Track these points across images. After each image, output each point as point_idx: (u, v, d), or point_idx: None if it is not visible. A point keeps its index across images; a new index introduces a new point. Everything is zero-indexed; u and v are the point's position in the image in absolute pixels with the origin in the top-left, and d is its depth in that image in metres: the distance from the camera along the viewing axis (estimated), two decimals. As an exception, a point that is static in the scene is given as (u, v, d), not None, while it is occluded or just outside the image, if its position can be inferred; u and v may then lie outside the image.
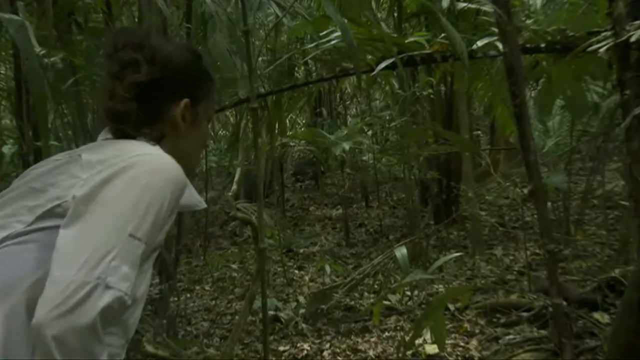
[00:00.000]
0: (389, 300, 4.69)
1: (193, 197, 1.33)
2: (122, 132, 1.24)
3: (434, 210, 7.07)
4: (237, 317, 4.41)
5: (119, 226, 1.07)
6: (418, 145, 5.93)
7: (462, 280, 5.01)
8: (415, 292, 4.62)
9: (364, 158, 8.02)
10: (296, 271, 6.05)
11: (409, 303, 4.59)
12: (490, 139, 10.04)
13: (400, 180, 7.83)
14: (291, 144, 7.66)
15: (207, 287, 5.66)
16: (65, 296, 0.99)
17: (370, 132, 7.18)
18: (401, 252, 4.04)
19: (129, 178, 1.10)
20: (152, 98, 1.25)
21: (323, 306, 4.53)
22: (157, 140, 1.26)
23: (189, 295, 5.37)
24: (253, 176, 8.68)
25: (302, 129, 7.71)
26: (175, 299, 4.51)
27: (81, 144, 2.99)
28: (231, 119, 8.46)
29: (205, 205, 1.35)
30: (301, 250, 6.74)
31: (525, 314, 4.14)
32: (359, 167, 7.92)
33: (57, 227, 1.09)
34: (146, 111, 1.25)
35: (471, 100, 6.66)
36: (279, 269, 6.04)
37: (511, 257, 5.52)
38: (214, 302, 5.11)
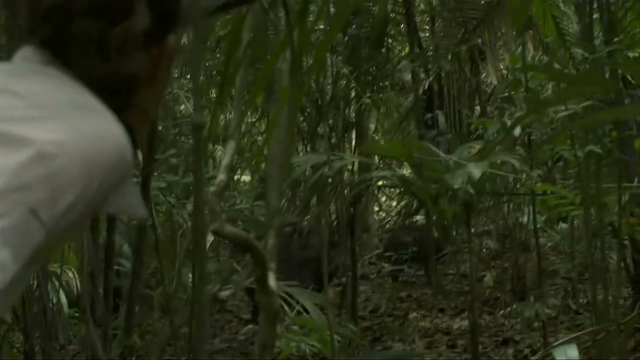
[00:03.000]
0: None
1: (129, 198, 1.42)
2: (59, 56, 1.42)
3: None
4: None
5: (23, 188, 1.19)
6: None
7: None
8: None
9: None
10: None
11: None
12: None
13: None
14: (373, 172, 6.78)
15: None
16: None
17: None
18: (568, 353, 3.72)
19: (58, 137, 1.24)
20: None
21: None
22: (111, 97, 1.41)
23: None
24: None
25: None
26: None
27: None
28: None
29: (145, 215, 1.52)
30: (385, 385, 6.30)
31: None
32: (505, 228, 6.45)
33: None
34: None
35: None
36: (329, 417, 5.66)
37: None
38: None
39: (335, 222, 7.58)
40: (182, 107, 9.99)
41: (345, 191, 6.61)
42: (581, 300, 7.96)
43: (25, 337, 3.97)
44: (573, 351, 3.77)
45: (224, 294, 7.83)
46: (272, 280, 3.15)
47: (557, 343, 4.18)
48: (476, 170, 5.41)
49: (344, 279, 7.91)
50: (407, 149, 5.58)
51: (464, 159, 5.69)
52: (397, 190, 11.73)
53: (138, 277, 4.39)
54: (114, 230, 4.29)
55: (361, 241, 8.91)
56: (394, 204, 11.81)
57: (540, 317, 5.91)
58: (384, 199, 12.14)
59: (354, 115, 7.29)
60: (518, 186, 7.07)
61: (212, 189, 3.38)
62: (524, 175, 6.22)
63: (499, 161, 5.77)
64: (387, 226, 11.50)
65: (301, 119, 6.99)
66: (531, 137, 6.23)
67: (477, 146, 5.94)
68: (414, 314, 8.03)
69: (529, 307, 6.13)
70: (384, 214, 12.16)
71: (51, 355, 4.04)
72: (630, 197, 5.32)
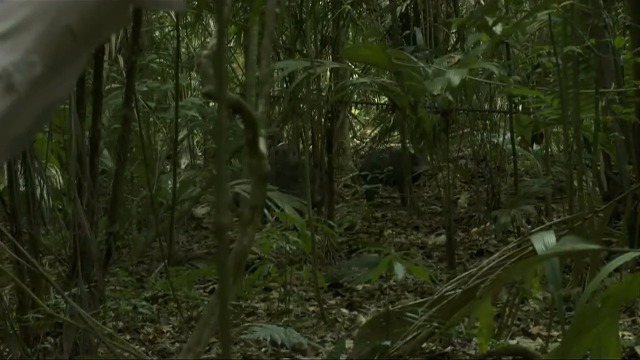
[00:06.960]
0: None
1: None
2: None
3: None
4: None
5: None
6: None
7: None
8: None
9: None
10: (344, 310, 5.62)
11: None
12: None
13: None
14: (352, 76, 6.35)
15: (166, 329, 5.26)
16: None
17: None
18: (546, 239, 3.52)
19: None
20: None
21: (387, 343, 4.01)
22: None
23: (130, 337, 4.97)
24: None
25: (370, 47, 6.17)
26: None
27: None
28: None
29: (182, 6, 1.46)
30: (360, 287, 6.21)
31: None
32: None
33: None
34: None
35: None
36: (311, 308, 5.59)
37: None
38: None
39: (311, 143, 7.64)
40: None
41: (323, 104, 6.66)
42: (555, 219, 8.13)
43: (13, 220, 4.10)
44: (551, 238, 3.68)
45: (200, 212, 8.01)
46: (262, 144, 3.43)
47: (534, 231, 4.27)
48: (456, 77, 5.51)
49: (319, 198, 8.04)
50: (388, 55, 5.70)
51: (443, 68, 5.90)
52: (372, 117, 11.87)
53: (123, 166, 4.53)
54: (99, 118, 4.42)
55: (337, 163, 9.03)
56: (369, 132, 11.98)
57: (517, 223, 6.07)
58: (358, 127, 12.32)
59: (331, 30, 7.40)
60: (496, 101, 7.15)
61: (205, 52, 3.67)
62: (502, 88, 6.32)
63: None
64: (362, 153, 11.65)
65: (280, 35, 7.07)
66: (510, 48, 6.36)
67: (457, 57, 6.08)
68: (389, 232, 8.18)
69: (505, 214, 6.35)
70: (358, 142, 12.34)
71: (38, 237, 4.17)
72: (607, 103, 5.47)
